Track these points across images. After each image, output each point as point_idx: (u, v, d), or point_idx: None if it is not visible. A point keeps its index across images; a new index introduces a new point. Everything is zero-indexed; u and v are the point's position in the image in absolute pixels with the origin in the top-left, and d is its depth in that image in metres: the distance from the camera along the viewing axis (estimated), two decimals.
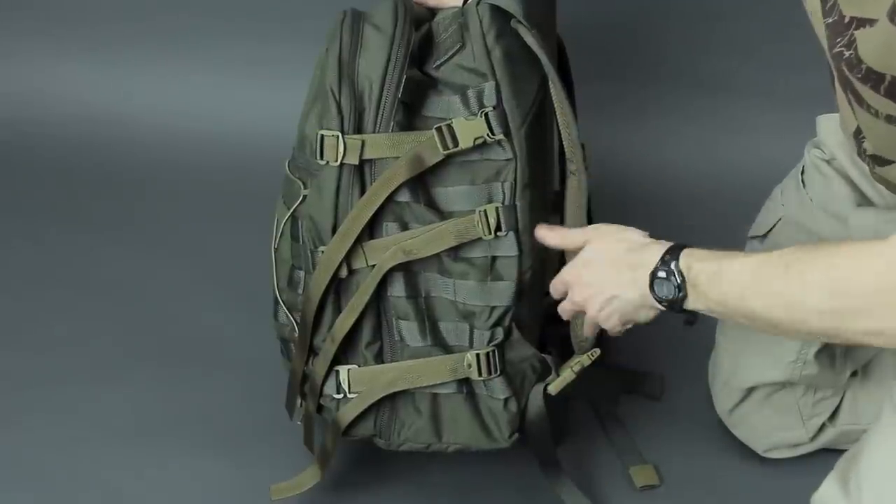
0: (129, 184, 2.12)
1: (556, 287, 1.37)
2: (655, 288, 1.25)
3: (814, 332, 1.19)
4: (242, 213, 1.96)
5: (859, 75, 1.18)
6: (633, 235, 1.30)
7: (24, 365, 1.73)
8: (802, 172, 1.53)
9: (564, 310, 1.38)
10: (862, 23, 1.15)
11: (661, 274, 1.23)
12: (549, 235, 1.37)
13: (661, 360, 1.72)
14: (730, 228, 1.70)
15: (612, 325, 1.33)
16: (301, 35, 1.87)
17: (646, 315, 1.31)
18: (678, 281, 1.22)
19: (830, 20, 1.21)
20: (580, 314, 1.37)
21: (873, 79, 1.17)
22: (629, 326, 1.34)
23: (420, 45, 1.39)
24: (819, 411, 1.55)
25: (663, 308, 1.26)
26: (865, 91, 1.20)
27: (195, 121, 2.20)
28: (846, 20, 1.18)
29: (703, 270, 1.21)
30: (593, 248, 1.32)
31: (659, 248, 1.25)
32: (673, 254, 1.24)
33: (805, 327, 1.16)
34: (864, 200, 1.46)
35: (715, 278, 1.21)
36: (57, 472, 1.56)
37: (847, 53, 1.18)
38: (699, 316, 1.27)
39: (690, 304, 1.23)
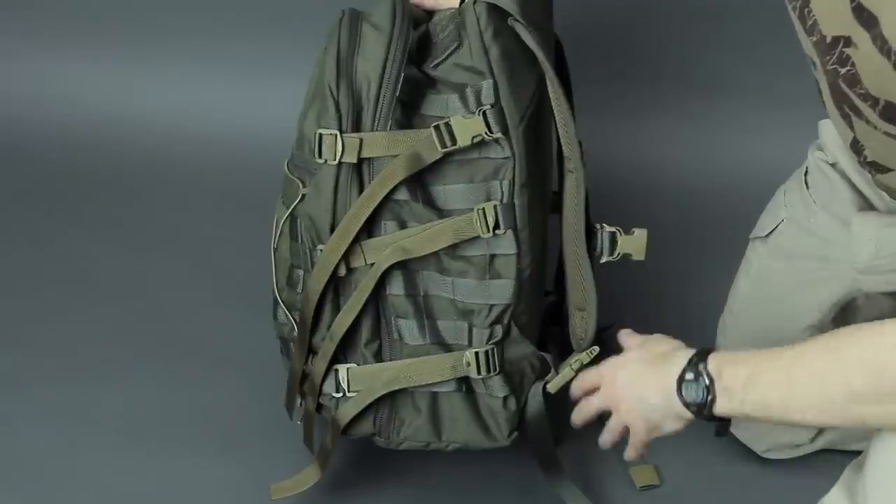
0: (129, 184, 2.12)
1: (586, 379, 1.35)
2: (683, 392, 1.21)
3: (851, 422, 1.13)
4: (242, 213, 1.96)
5: (861, 91, 1.18)
6: (670, 343, 1.28)
7: (24, 364, 1.73)
8: (806, 174, 1.53)
9: (590, 406, 1.35)
10: (851, 42, 1.15)
11: (689, 376, 1.20)
12: (624, 338, 1.37)
13: None
14: (730, 228, 1.70)
15: (638, 429, 1.30)
16: (301, 35, 1.87)
17: (673, 426, 1.27)
18: (706, 383, 1.18)
19: (814, 39, 1.21)
20: (605, 414, 1.35)
21: (871, 99, 1.17)
22: (655, 436, 1.30)
23: (418, 46, 1.39)
24: None
25: (691, 414, 1.22)
26: (864, 107, 1.20)
27: (195, 121, 2.21)
28: (829, 40, 1.18)
29: (737, 375, 1.17)
30: (633, 351, 1.31)
31: (686, 353, 1.23)
32: (700, 356, 1.20)
33: (847, 419, 1.12)
34: (866, 204, 1.46)
35: (751, 383, 1.16)
36: (56, 472, 1.56)
37: (842, 70, 1.18)
38: (730, 423, 1.24)
39: (720, 408, 1.19)
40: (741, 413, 1.18)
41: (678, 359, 1.22)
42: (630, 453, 1.34)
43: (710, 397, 1.18)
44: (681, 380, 1.21)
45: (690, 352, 1.22)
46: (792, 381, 1.13)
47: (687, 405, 1.21)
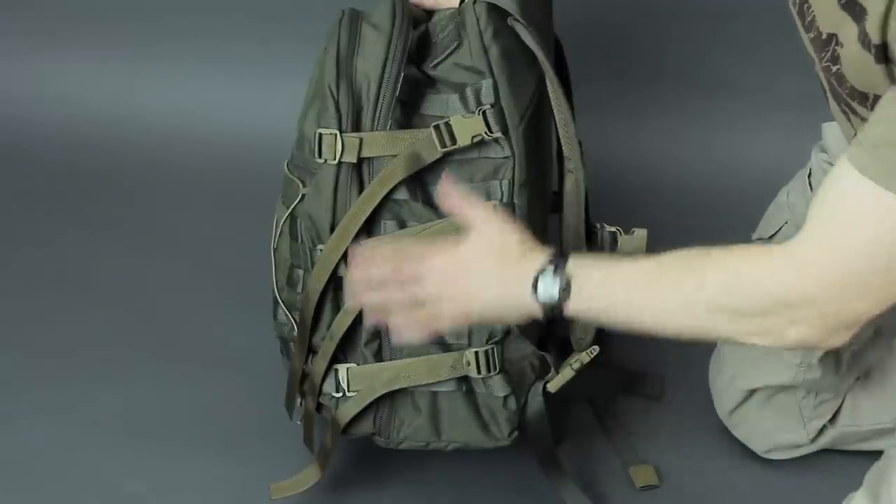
0: (129, 184, 2.12)
1: (386, 255, 1.26)
2: (539, 288, 1.20)
3: (697, 331, 1.15)
4: (242, 214, 1.96)
5: (846, 91, 1.19)
6: (521, 235, 1.24)
7: (24, 364, 1.73)
8: (810, 175, 1.53)
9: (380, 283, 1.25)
10: (839, 42, 1.16)
11: (547, 275, 1.19)
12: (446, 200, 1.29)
13: (661, 360, 1.72)
14: (730, 229, 1.68)
15: (452, 313, 1.24)
16: (301, 35, 1.87)
17: (515, 317, 1.25)
18: (563, 283, 1.18)
19: (812, 35, 1.21)
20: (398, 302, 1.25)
21: (858, 96, 1.17)
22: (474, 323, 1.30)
23: (418, 46, 1.39)
24: (820, 413, 1.55)
25: (541, 312, 1.20)
26: (855, 105, 1.20)
27: (195, 121, 2.20)
28: (824, 36, 1.18)
29: (590, 276, 1.18)
30: (481, 235, 1.24)
31: (546, 251, 1.22)
32: (560, 257, 1.20)
33: (692, 332, 1.14)
34: None
35: (604, 281, 1.17)
36: (56, 472, 1.56)
37: (834, 68, 1.18)
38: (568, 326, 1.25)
39: (571, 308, 1.19)
40: (587, 313, 1.19)
41: (536, 257, 1.21)
42: (416, 333, 1.25)
43: (565, 297, 1.18)
44: (539, 275, 1.19)
45: (548, 251, 1.21)
46: (644, 283, 1.14)
47: (540, 303, 1.20)
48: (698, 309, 1.12)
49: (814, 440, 1.56)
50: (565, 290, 1.18)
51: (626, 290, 1.16)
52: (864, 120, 1.22)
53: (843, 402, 1.56)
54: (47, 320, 1.81)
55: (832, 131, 1.47)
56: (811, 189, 1.51)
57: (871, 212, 1.01)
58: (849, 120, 1.26)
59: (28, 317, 1.82)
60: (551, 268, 1.19)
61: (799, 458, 1.57)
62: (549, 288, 1.19)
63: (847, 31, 1.11)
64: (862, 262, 1.03)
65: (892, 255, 1.02)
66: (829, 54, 1.18)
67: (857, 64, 1.12)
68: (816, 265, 1.05)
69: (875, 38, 1.05)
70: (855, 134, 1.29)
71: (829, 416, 1.55)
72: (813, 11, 1.19)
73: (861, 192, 1.01)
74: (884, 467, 1.26)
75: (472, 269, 1.23)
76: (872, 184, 1.00)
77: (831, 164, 1.49)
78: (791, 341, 1.09)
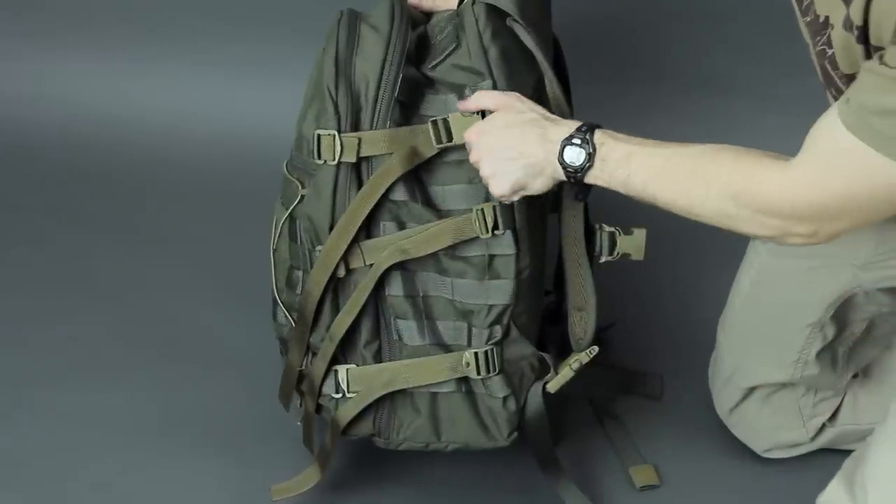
0: (129, 184, 2.12)
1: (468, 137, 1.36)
2: (566, 153, 1.27)
3: (702, 220, 1.25)
4: (242, 214, 1.96)
5: (839, 74, 1.20)
6: (540, 108, 1.33)
7: (24, 364, 1.73)
8: None
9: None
10: (831, 24, 1.17)
11: (576, 140, 1.27)
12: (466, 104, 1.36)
13: (661, 360, 1.72)
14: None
15: (501, 188, 1.32)
16: (301, 35, 1.87)
17: (542, 183, 1.32)
18: (590, 150, 1.26)
19: (808, 19, 1.22)
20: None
21: (848, 80, 1.18)
22: (517, 195, 1.34)
23: (416, 47, 1.40)
24: (820, 412, 1.55)
25: (563, 176, 1.28)
26: (845, 89, 1.21)
27: (195, 121, 2.20)
28: (821, 20, 1.19)
29: (616, 148, 1.26)
30: (515, 108, 1.33)
31: (574, 122, 1.29)
32: (590, 127, 1.27)
33: (697, 217, 1.25)
34: None
35: (626, 159, 1.25)
36: (57, 472, 1.56)
37: (829, 52, 1.20)
38: (588, 193, 1.33)
39: (592, 176, 1.27)
40: (605, 182, 1.28)
41: (567, 124, 1.30)
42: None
43: (588, 164, 1.26)
44: (567, 141, 1.27)
45: (578, 122, 1.29)
46: (661, 170, 1.24)
47: (565, 166, 1.27)
48: (701, 209, 1.22)
49: (814, 439, 1.56)
50: (590, 157, 1.26)
51: (644, 172, 1.24)
52: None
53: (842, 400, 1.56)
54: (47, 320, 1.81)
55: None
56: None
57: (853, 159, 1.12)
58: None
59: (28, 317, 1.82)
60: (580, 135, 1.27)
61: (799, 457, 1.57)
62: (576, 154, 1.27)
63: (837, 13, 1.14)
64: (841, 195, 1.15)
65: (868, 193, 1.13)
66: (823, 38, 1.20)
67: (844, 45, 1.15)
68: (806, 192, 1.17)
69: (857, 20, 1.10)
70: None
71: (828, 415, 1.55)
72: None
73: (846, 141, 1.11)
74: (862, 453, 1.27)
75: (499, 140, 1.31)
76: (854, 138, 1.10)
77: None
78: (788, 242, 1.22)
